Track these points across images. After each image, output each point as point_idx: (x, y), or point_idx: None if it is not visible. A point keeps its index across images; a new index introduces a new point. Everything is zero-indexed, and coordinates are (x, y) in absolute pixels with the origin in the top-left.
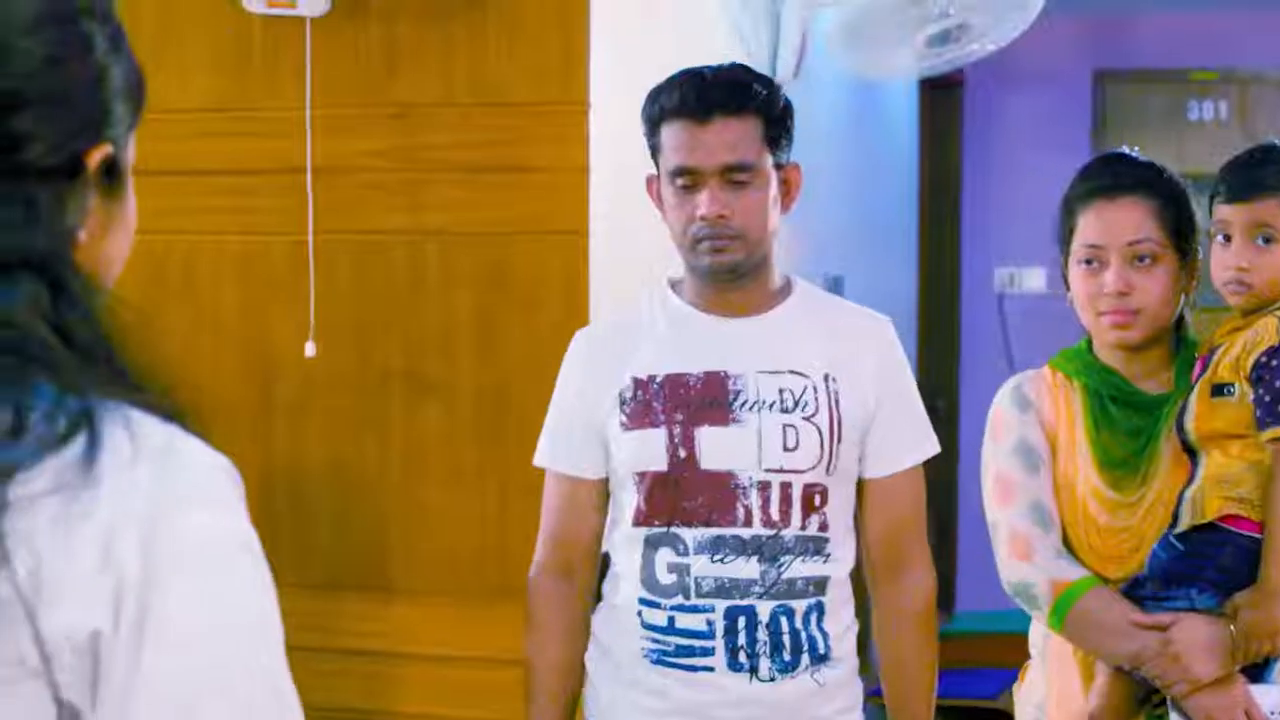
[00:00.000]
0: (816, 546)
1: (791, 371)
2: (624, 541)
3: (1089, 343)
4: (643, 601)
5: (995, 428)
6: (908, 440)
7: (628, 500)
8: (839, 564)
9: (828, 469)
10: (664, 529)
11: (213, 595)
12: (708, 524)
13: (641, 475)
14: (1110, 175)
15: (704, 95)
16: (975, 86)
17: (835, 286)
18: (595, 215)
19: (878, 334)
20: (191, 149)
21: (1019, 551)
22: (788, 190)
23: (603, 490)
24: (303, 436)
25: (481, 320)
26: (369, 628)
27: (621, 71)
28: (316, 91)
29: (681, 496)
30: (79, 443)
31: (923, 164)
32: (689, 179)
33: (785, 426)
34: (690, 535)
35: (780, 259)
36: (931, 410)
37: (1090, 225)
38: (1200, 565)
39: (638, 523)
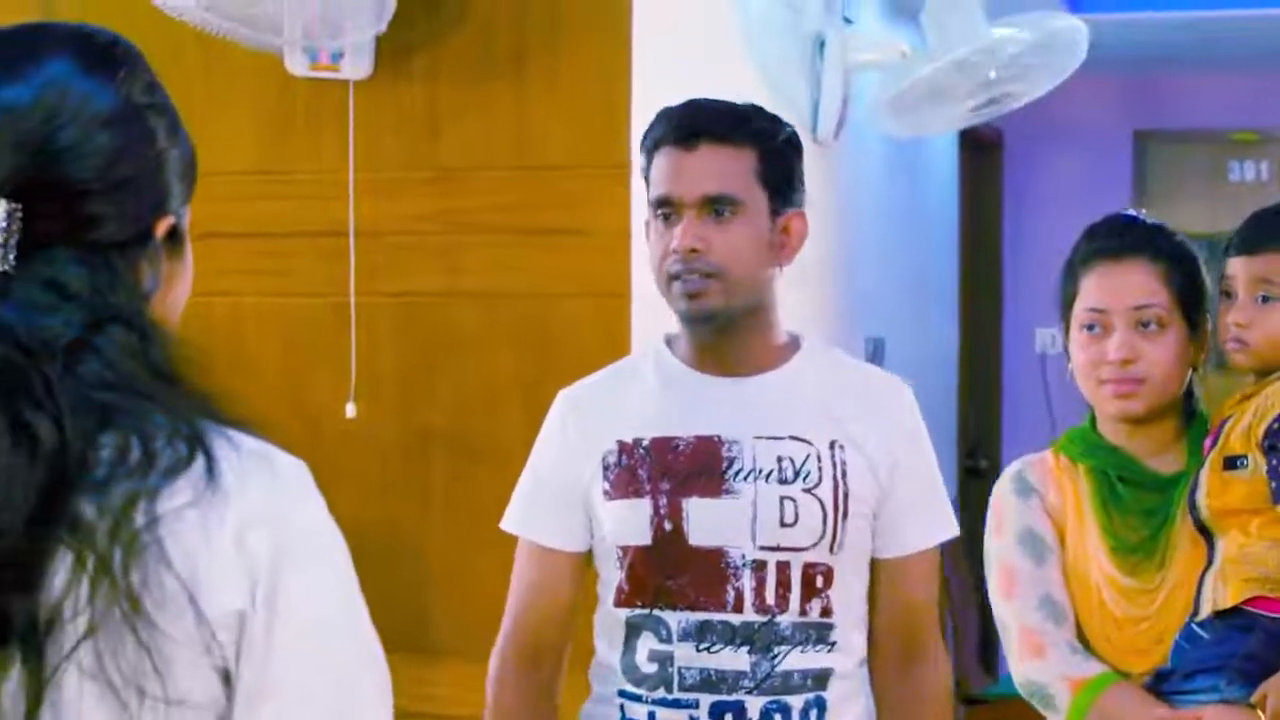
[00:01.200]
0: (819, 634)
1: (793, 438)
2: (606, 624)
3: (1093, 421)
4: (622, 694)
5: (997, 518)
6: (923, 519)
7: (610, 578)
8: (846, 654)
9: (831, 547)
10: (646, 611)
11: (326, 571)
12: (693, 607)
13: (624, 550)
14: (1115, 236)
15: (692, 120)
16: (1015, 146)
17: (877, 349)
18: (637, 278)
19: (894, 399)
20: (234, 211)
21: (1030, 649)
22: (786, 240)
23: (578, 565)
24: (344, 498)
25: (523, 382)
26: (415, 690)
27: None
28: (359, 154)
29: (665, 575)
30: (199, 460)
31: (963, 224)
32: (668, 209)
33: (783, 499)
34: (674, 619)
35: (781, 314)
36: (974, 469)
37: (1093, 289)
38: (1227, 653)
39: (619, 603)
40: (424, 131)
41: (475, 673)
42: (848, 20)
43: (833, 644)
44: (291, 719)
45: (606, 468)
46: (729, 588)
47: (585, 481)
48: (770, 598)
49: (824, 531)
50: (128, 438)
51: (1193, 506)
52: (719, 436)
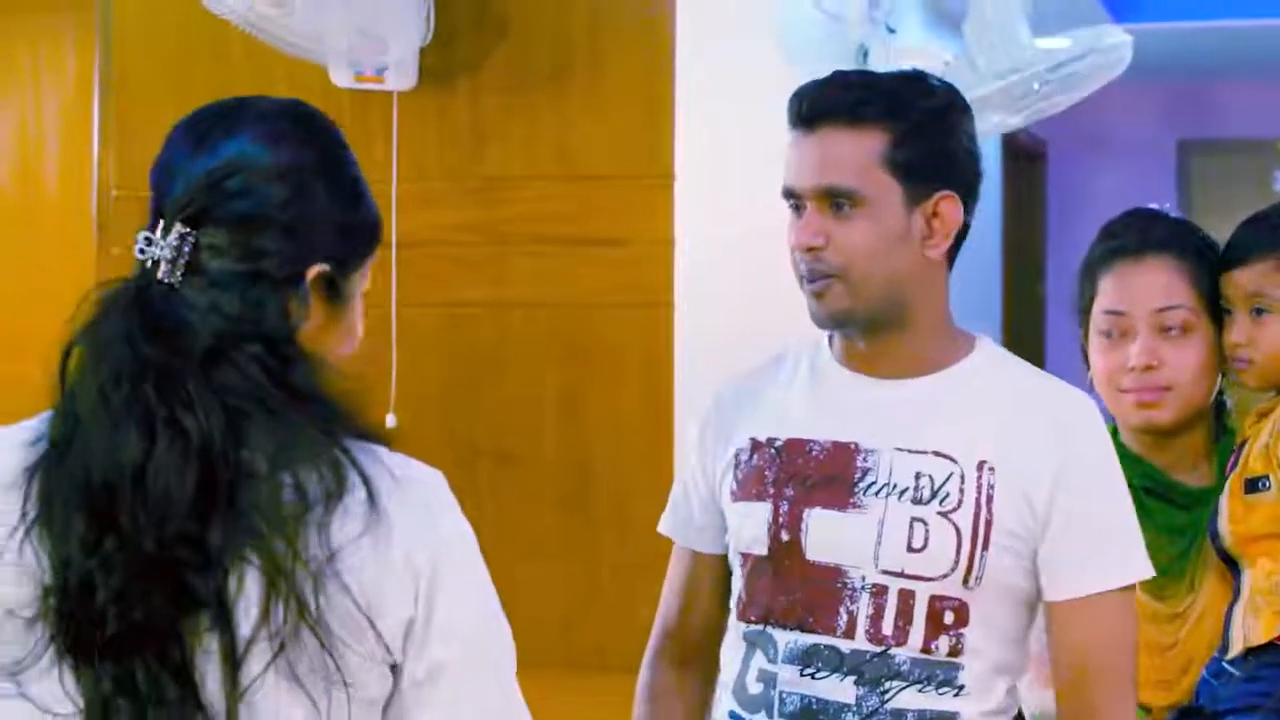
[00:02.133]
0: (944, 676)
1: (936, 453)
2: (730, 638)
3: (1114, 430)
4: (732, 715)
5: None
6: (1093, 560)
7: (735, 586)
8: (978, 702)
9: (966, 580)
10: (760, 627)
11: (472, 572)
12: (802, 627)
13: (744, 557)
14: (1135, 233)
15: (813, 100)
16: (1059, 156)
17: None
18: (680, 287)
19: (1073, 418)
20: None
21: (1044, 678)
22: (937, 225)
23: (725, 568)
24: None
25: (565, 392)
26: None
27: (706, 143)
28: (402, 165)
29: (778, 589)
30: (358, 488)
31: (1006, 234)
32: (794, 200)
33: (914, 520)
34: (783, 639)
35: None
36: None
37: (1111, 290)
38: (1260, 692)
39: (739, 615)
40: (467, 142)
41: (522, 684)
42: (890, 29)
43: (960, 688)
44: (459, 692)
45: (737, 465)
46: (842, 610)
47: (718, 478)
48: (887, 627)
49: (956, 562)
50: (274, 456)
51: (1214, 535)
52: (856, 444)
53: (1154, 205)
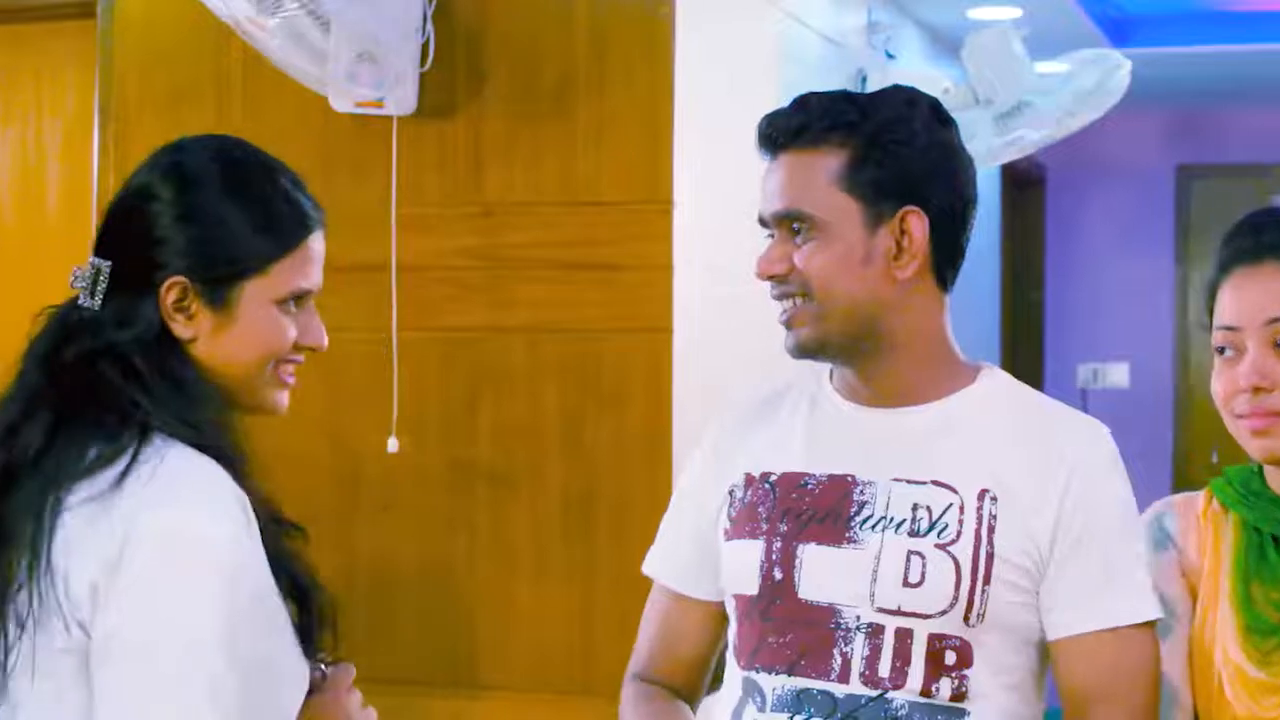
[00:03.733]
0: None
1: (935, 483)
2: (729, 684)
3: (1259, 469)
4: None
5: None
6: (1094, 594)
7: (731, 630)
8: None
9: (967, 617)
10: (748, 673)
11: (168, 569)
12: (792, 671)
13: (737, 600)
14: (1251, 236)
15: (771, 125)
16: (1058, 181)
17: None
18: (680, 313)
19: (1081, 447)
20: None
21: None
22: (902, 246)
23: (714, 615)
24: (386, 532)
25: (567, 417)
26: None
27: (706, 170)
28: (402, 190)
29: (768, 631)
30: (120, 464)
31: (1004, 259)
32: (767, 230)
33: (910, 554)
34: (770, 685)
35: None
36: None
37: (1227, 303)
38: None
39: (736, 660)
40: (467, 167)
41: (519, 708)
42: (890, 55)
43: None
44: (122, 678)
45: (731, 503)
46: (836, 653)
47: (712, 516)
48: (884, 669)
49: (956, 597)
50: (71, 439)
51: None
52: (853, 477)
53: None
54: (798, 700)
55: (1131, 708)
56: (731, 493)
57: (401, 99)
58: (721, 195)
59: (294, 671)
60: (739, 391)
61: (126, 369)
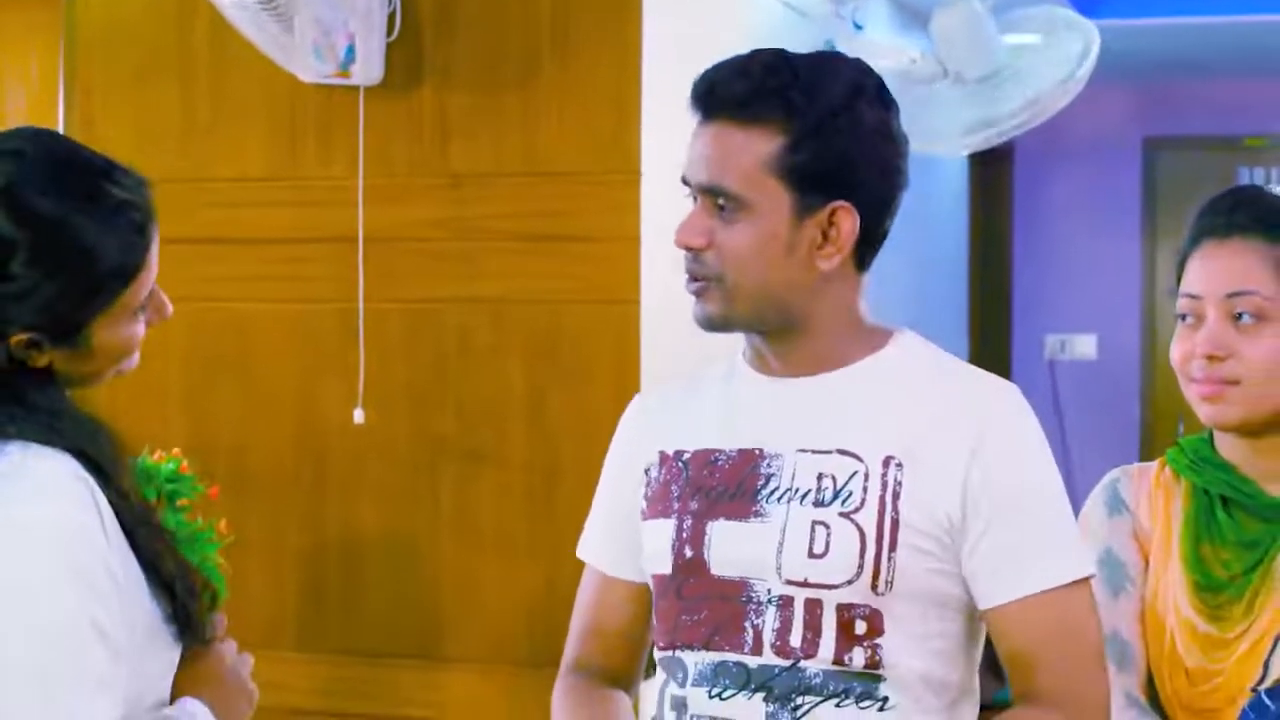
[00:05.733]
0: (863, 689)
1: (840, 451)
2: (657, 665)
3: (1210, 435)
4: None
5: (1081, 535)
6: (1022, 558)
7: (654, 611)
8: (903, 716)
9: (874, 585)
10: (670, 652)
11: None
12: (708, 647)
13: (655, 579)
14: (1223, 214)
15: (710, 86)
16: (1024, 156)
17: None
18: (647, 284)
19: (989, 407)
20: (244, 217)
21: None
22: (832, 236)
23: (641, 596)
24: (352, 504)
25: (533, 389)
26: (420, 696)
27: (673, 140)
28: (369, 161)
29: (684, 609)
30: None
31: (973, 232)
32: (689, 191)
33: (815, 524)
34: (691, 660)
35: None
36: None
37: (1193, 272)
38: None
39: (658, 641)
40: (434, 138)
41: (483, 680)
42: (858, 26)
43: (884, 701)
44: None
45: (647, 483)
46: (748, 625)
47: (631, 497)
48: (795, 640)
49: (861, 566)
50: None
51: None
52: (761, 450)
53: (1259, 184)
54: (715, 673)
55: (1074, 669)
56: (648, 472)
57: (368, 70)
58: None
59: (146, 652)
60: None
61: None
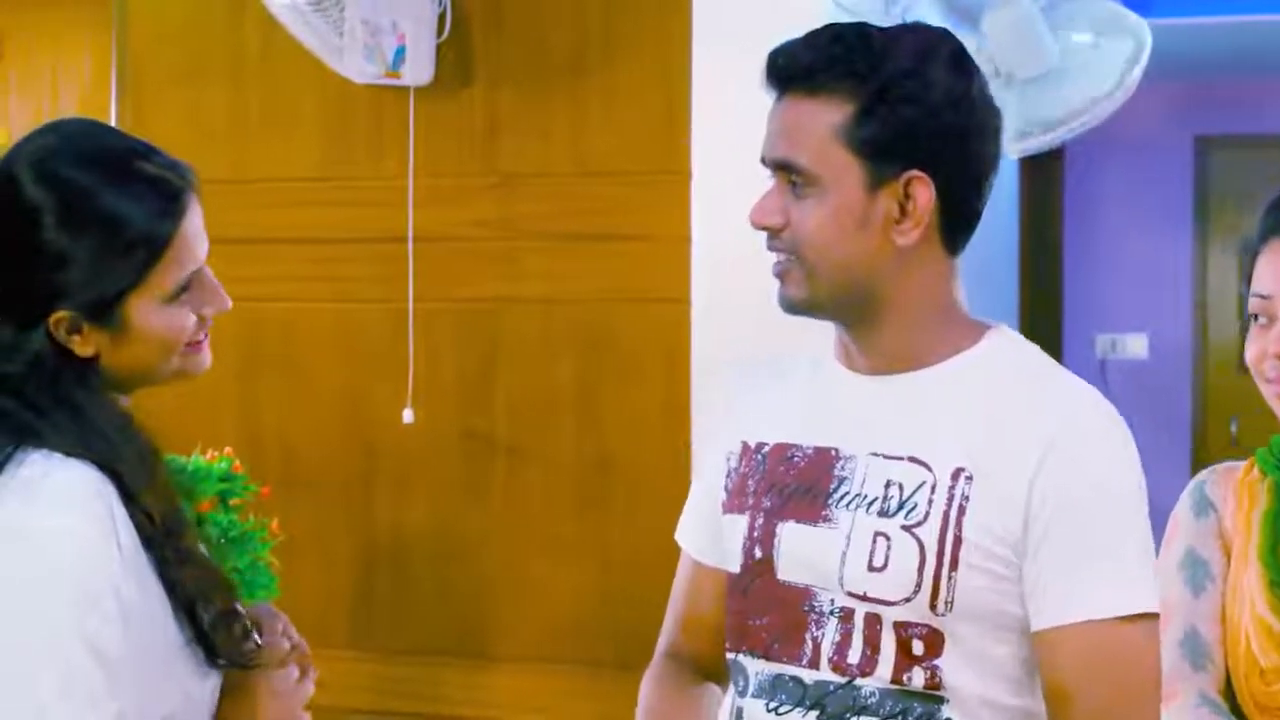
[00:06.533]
0: (924, 711)
1: (911, 459)
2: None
3: None
4: None
5: (1168, 534)
6: (1079, 581)
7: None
8: None
9: (933, 605)
10: (733, 655)
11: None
12: (768, 656)
13: (729, 576)
14: None
15: (782, 62)
16: (1075, 156)
17: None
18: (697, 283)
19: (1073, 419)
20: (294, 217)
21: (1164, 694)
22: (906, 211)
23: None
24: (401, 502)
25: (582, 388)
26: (468, 695)
27: (722, 139)
28: (419, 161)
29: (750, 612)
30: None
31: (1023, 232)
32: (768, 171)
33: (877, 535)
34: (752, 669)
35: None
36: None
37: (1262, 271)
38: None
39: (726, 640)
40: (484, 138)
41: (533, 678)
42: None
43: None
44: None
45: (728, 473)
46: (807, 638)
47: (716, 484)
48: (853, 656)
49: (919, 584)
50: None
51: None
52: (837, 450)
53: None
54: (773, 685)
55: (1115, 714)
56: (729, 460)
57: (418, 71)
58: (738, 164)
59: (160, 673)
60: (756, 363)
61: (22, 397)
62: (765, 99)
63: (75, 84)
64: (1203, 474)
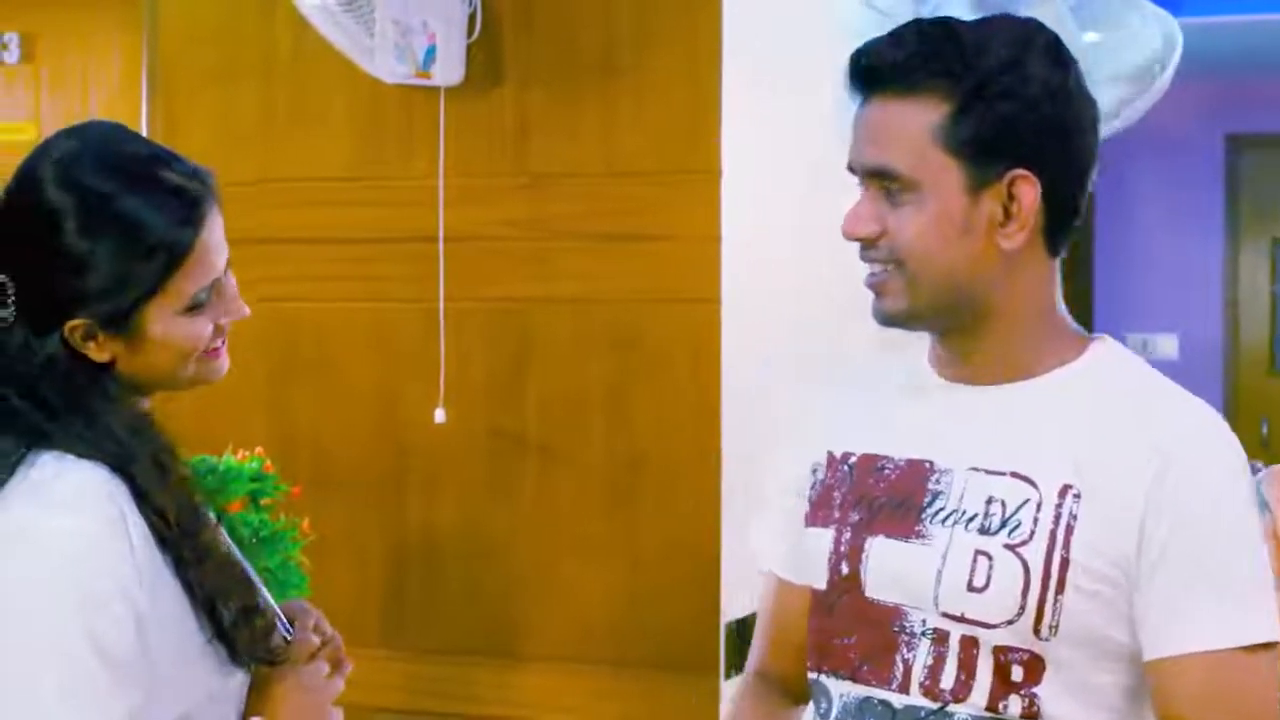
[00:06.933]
0: None
1: (1014, 474)
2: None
3: None
4: None
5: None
6: (1193, 608)
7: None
8: None
9: (1037, 629)
10: (816, 674)
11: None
12: (855, 678)
13: (812, 592)
14: None
15: (866, 60)
16: (1105, 154)
17: None
18: (727, 283)
19: (1179, 433)
20: (325, 217)
21: None
22: (1010, 212)
23: None
24: (432, 502)
25: (612, 389)
26: (498, 694)
27: (752, 139)
28: (449, 161)
29: (834, 631)
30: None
31: None
32: (859, 183)
33: (977, 553)
34: (836, 691)
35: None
36: None
37: None
38: None
39: (808, 659)
40: (514, 138)
41: (563, 678)
42: None
43: None
44: None
45: (812, 484)
46: (898, 659)
47: (798, 497)
48: (946, 680)
49: (1023, 606)
50: None
51: None
52: (931, 463)
53: None
54: (860, 709)
55: None
56: (814, 471)
57: (448, 71)
58: (768, 164)
59: (179, 672)
60: (786, 362)
61: (35, 399)
62: (792, 97)
63: (106, 84)
64: (1259, 475)
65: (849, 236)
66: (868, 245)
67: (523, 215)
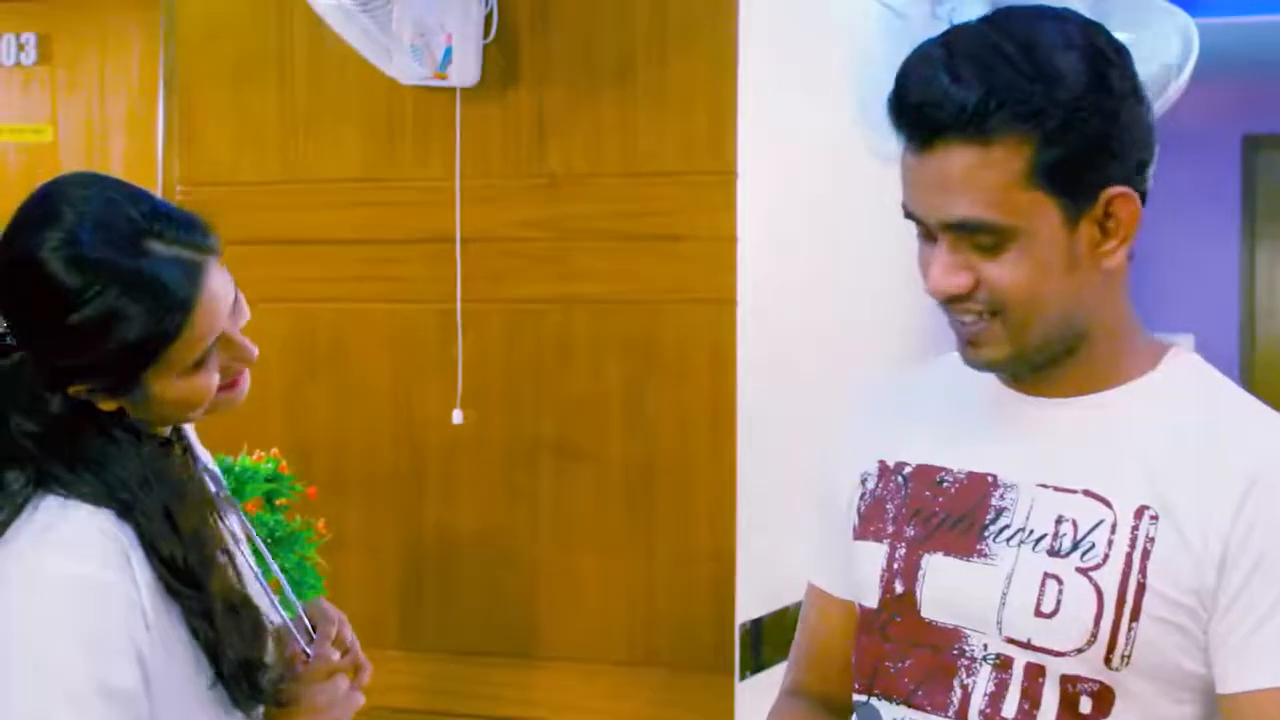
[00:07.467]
0: None
1: (1087, 493)
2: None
3: None
4: None
5: None
6: (1273, 642)
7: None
8: None
9: (1109, 659)
10: (864, 698)
11: (9, 607)
12: (909, 702)
13: (860, 610)
14: None
15: (927, 108)
16: None
17: None
18: (744, 284)
19: (1265, 456)
20: (342, 218)
21: None
22: (1108, 230)
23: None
24: (450, 504)
25: (630, 389)
26: (517, 694)
27: (769, 140)
28: (466, 161)
29: (886, 653)
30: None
31: None
32: (919, 226)
33: (1047, 576)
34: (888, 715)
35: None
36: None
37: None
38: None
39: (855, 680)
40: (531, 138)
41: (582, 679)
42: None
43: None
44: None
45: (861, 495)
46: (956, 685)
47: (844, 507)
48: (1008, 710)
49: (1095, 634)
50: None
51: None
52: (995, 477)
53: None
54: None
55: None
56: (864, 481)
57: (464, 71)
58: (785, 165)
59: (187, 708)
60: (803, 363)
61: (40, 444)
62: (810, 98)
63: (123, 86)
64: None
65: (940, 296)
66: (960, 299)
67: (540, 216)
